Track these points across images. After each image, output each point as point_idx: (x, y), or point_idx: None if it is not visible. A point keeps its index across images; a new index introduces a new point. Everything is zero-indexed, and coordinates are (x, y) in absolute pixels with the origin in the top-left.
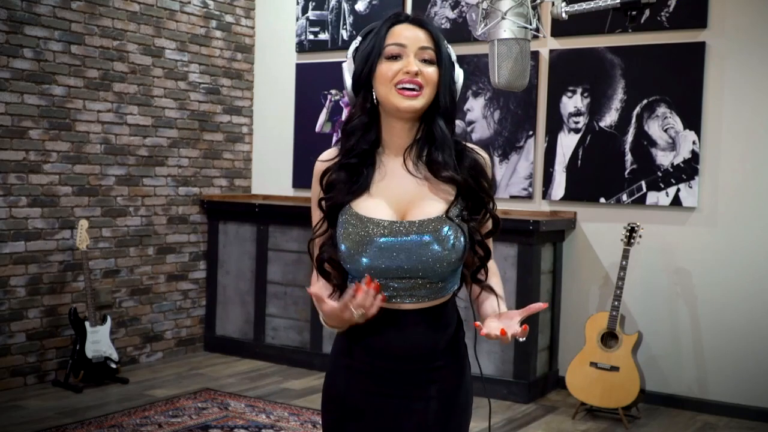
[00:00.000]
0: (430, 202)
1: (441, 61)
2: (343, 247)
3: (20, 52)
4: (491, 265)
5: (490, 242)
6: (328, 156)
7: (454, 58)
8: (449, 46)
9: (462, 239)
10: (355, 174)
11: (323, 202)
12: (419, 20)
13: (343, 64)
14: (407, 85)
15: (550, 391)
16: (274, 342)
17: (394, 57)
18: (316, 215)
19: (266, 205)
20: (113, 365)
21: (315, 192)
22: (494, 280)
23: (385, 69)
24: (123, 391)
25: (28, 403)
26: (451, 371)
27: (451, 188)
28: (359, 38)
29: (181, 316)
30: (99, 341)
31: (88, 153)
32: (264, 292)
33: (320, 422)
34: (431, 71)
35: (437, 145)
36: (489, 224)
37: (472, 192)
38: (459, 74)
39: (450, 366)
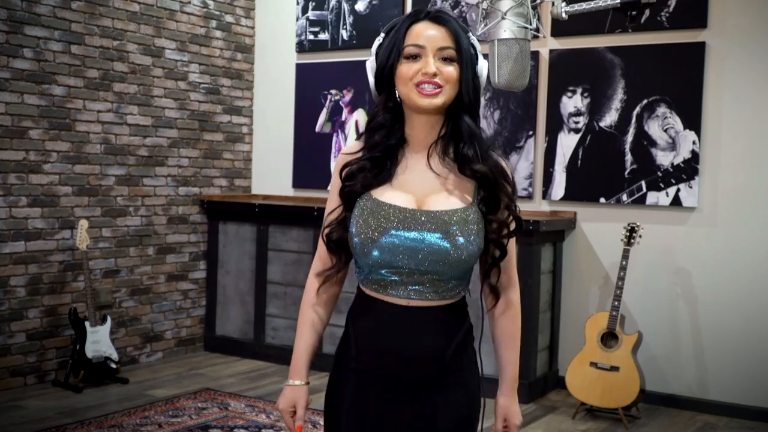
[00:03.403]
0: (450, 197)
1: (461, 58)
2: (356, 239)
3: (20, 52)
4: (513, 276)
5: (512, 244)
6: (351, 149)
7: (478, 49)
8: (472, 37)
9: (473, 239)
10: (378, 166)
11: (344, 189)
12: (439, 17)
13: (367, 62)
14: (426, 86)
15: (550, 391)
16: (274, 342)
17: (413, 57)
18: (333, 202)
19: (266, 205)
20: (113, 365)
21: (336, 181)
22: (513, 326)
23: (405, 69)
24: (123, 391)
25: (28, 403)
26: (460, 378)
27: (473, 186)
28: (382, 34)
29: (181, 316)
30: (99, 341)
31: (88, 153)
32: (264, 292)
33: (320, 422)
34: (450, 70)
35: (466, 140)
36: (512, 225)
37: (496, 191)
38: (483, 66)
39: (459, 373)
